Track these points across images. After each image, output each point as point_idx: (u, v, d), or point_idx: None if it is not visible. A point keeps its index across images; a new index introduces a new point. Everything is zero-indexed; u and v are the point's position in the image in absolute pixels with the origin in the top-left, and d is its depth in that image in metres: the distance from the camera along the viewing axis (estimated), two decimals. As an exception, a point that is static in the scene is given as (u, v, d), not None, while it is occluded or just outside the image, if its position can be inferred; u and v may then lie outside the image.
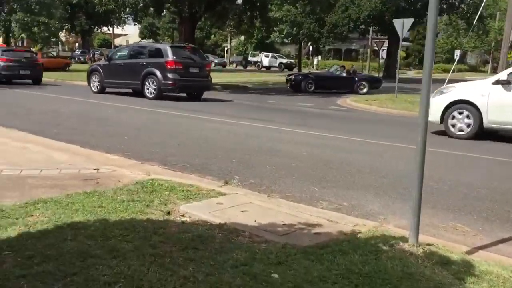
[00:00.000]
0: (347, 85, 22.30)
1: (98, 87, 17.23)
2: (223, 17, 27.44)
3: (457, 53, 46.50)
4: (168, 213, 4.02)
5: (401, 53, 43.81)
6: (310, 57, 58.71)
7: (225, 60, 64.75)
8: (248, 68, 57.19)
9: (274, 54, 59.23)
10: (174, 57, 15.27)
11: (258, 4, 25.24)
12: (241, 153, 6.99)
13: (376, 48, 42.50)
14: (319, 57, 57.81)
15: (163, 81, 15.13)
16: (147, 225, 3.63)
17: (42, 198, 4.25)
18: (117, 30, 61.84)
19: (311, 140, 8.55)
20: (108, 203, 4.17)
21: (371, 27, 40.12)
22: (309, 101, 17.60)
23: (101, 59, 29.91)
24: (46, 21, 39.60)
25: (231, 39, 66.50)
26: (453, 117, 9.56)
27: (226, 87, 23.77)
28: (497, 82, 9.17)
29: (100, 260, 2.92)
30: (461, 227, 4.12)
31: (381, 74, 36.55)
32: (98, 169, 5.69)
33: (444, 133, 9.81)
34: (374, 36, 44.65)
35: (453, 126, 9.58)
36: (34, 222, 3.60)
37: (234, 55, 67.05)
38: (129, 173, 5.51)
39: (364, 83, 22.51)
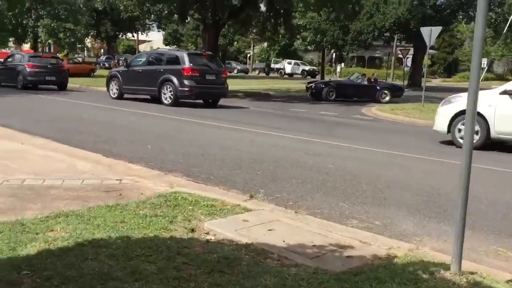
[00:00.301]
0: (369, 93, 21.93)
1: (117, 93, 17.45)
2: (246, 24, 27.41)
3: (485, 62, 45.61)
4: (192, 230, 3.86)
5: (426, 61, 43.20)
6: (333, 64, 58.31)
7: (247, 66, 64.82)
8: (271, 75, 57.08)
9: (297, 61, 59.02)
10: (191, 64, 15.40)
11: (282, 11, 25.09)
12: (265, 165, 6.81)
13: (400, 55, 41.94)
14: (342, 64, 57.37)
15: (179, 88, 15.26)
16: (170, 243, 3.47)
17: (64, 211, 4.14)
18: (142, 37, 62.51)
19: (337, 152, 8.32)
20: (130, 218, 4.03)
21: (396, 35, 39.61)
22: (332, 110, 17.34)
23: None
24: (72, 27, 40.19)
25: (254, 46, 66.58)
26: (460, 128, 9.34)
27: (248, 95, 23.67)
28: (505, 92, 9.04)
29: (122, 283, 2.77)
30: (504, 251, 3.85)
31: (405, 82, 36.02)
32: (120, 180, 5.58)
33: (452, 142, 9.60)
34: (398, 43, 44.12)
35: (460, 136, 9.30)
36: (54, 238, 3.48)
37: (256, 61, 67.07)
38: (151, 185, 5.38)
39: (386, 91, 22.11)
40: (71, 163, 6.34)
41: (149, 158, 6.94)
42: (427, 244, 3.96)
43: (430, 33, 17.43)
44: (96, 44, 72.98)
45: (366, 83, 22.44)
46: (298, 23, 37.98)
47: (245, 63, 69.48)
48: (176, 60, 15.82)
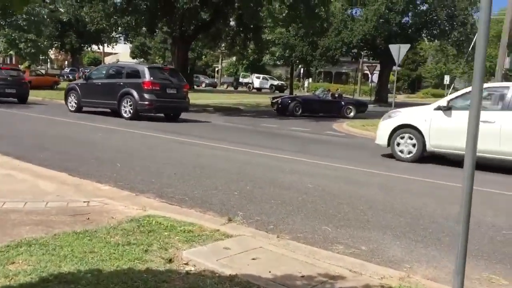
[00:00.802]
0: (334, 108, 22.19)
1: (75, 106, 17.24)
2: (216, 38, 27.25)
3: (447, 79, 46.93)
4: (170, 260, 3.55)
5: (391, 78, 44.07)
6: (301, 79, 58.80)
7: (215, 80, 64.60)
8: (239, 89, 57.01)
9: (266, 75, 59.22)
10: (151, 78, 15.36)
11: (252, 26, 25.05)
12: (242, 184, 6.54)
13: (366, 71, 42.65)
14: (310, 79, 57.92)
15: (139, 102, 15.20)
16: (147, 277, 3.15)
17: (26, 240, 3.76)
18: (108, 49, 61.49)
19: (314, 170, 8.14)
20: (101, 247, 3.69)
21: (363, 51, 40.26)
22: (304, 126, 17.27)
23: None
24: (34, 38, 39.02)
25: (222, 60, 66.50)
26: (399, 141, 9.96)
27: (218, 109, 23.41)
28: (439, 108, 9.57)
29: (94, 329, 2.44)
30: (497, 279, 3.70)
31: (372, 98, 36.56)
32: (88, 202, 5.21)
33: (392, 156, 10.07)
34: (365, 60, 44.89)
35: (399, 149, 9.95)
36: (16, 272, 3.11)
37: (225, 76, 66.97)
38: (122, 208, 5.03)
39: (350, 107, 22.47)
40: (35, 183, 5.91)
41: (119, 177, 6.57)
42: (418, 272, 3.77)
43: (398, 50, 17.67)
44: (60, 56, 71.28)
45: (330, 98, 22.62)
46: (267, 38, 38.13)
47: (213, 77, 69.27)
48: (136, 74, 15.79)
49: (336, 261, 3.79)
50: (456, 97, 9.72)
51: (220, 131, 14.24)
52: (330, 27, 29.23)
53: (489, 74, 55.70)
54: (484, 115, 8.56)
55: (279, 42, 42.06)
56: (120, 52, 71.27)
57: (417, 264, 3.95)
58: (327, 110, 22.28)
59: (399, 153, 9.94)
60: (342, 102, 22.48)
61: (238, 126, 16.18)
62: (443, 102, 9.67)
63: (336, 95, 23.16)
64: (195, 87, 47.41)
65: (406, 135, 9.86)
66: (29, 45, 38.72)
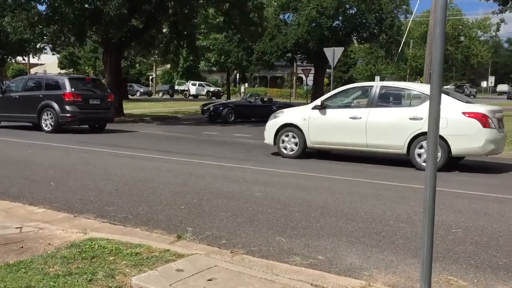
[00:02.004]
0: (266, 113, 22.13)
1: None
2: (149, 46, 26.58)
3: (377, 79, 48.67)
4: (118, 289, 3.25)
5: (325, 80, 45.10)
6: (237, 85, 58.86)
7: (150, 89, 63.29)
8: (175, 96, 56.14)
9: (202, 82, 58.72)
10: (72, 89, 15.02)
11: (185, 33, 24.65)
12: (189, 197, 6.27)
13: (301, 75, 43.39)
14: (246, 84, 58.10)
15: (61, 114, 14.81)
16: (94, 312, 2.84)
17: (-51, 278, 3.32)
18: (34, 60, 58.58)
19: (261, 178, 7.98)
20: (38, 280, 3.33)
21: (298, 55, 40.89)
22: (245, 132, 17.16)
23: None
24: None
25: (156, 68, 65.28)
26: (283, 139, 10.58)
27: (155, 118, 22.86)
28: (315, 107, 10.28)
29: None
30: (455, 280, 3.69)
31: (308, 101, 37.10)
32: (21, 227, 4.76)
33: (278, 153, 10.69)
34: (299, 63, 45.63)
35: (284, 146, 10.57)
36: None
37: (160, 84, 65.76)
38: (60, 232, 4.63)
39: (282, 110, 22.50)
40: (-43, 211, 5.34)
41: (54, 198, 6.10)
42: (378, 279, 3.69)
43: (333, 54, 18.00)
44: (-19, 69, 67.06)
45: (260, 103, 22.63)
46: (202, 44, 37.82)
47: (148, 85, 67.83)
48: (56, 85, 15.36)
49: (295, 274, 3.63)
50: (330, 97, 10.48)
51: (160, 141, 13.81)
52: (264, 32, 29.39)
53: (415, 73, 58.60)
54: (352, 112, 10.00)
55: (214, 48, 41.86)
56: (47, 63, 68.19)
57: (376, 270, 3.88)
58: (259, 115, 22.15)
59: (284, 150, 10.58)
60: (274, 107, 22.54)
61: (178, 135, 15.79)
62: (318, 102, 10.38)
63: (265, 100, 23.19)
64: (129, 96, 46.15)
65: (290, 134, 10.49)
66: None
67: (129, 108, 26.51)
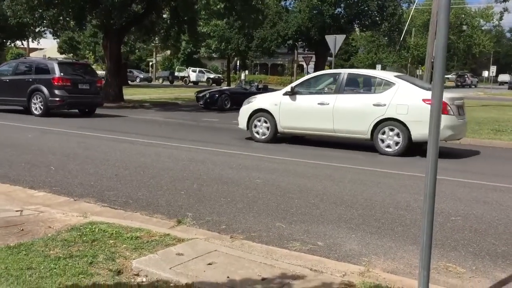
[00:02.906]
0: None
1: None
2: (149, 32, 26.37)
3: (378, 68, 48.50)
4: (119, 272, 3.27)
5: (326, 68, 44.91)
6: (237, 72, 58.63)
7: (150, 75, 63.04)
8: (175, 83, 55.95)
9: (202, 69, 58.47)
10: (61, 74, 15.21)
11: (186, 19, 24.44)
12: (188, 183, 6.28)
13: (302, 62, 43.18)
14: (246, 71, 57.86)
15: (50, 98, 15.01)
16: (94, 294, 2.86)
17: (-49, 259, 3.34)
18: (33, 45, 58.24)
19: (261, 164, 7.99)
20: (39, 262, 3.34)
21: (299, 43, 40.70)
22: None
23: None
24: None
25: (156, 54, 64.95)
26: (256, 124, 10.84)
27: (155, 104, 22.80)
28: (286, 93, 10.52)
29: None
30: (454, 267, 3.71)
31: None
32: (21, 211, 4.77)
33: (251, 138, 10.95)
34: (300, 51, 45.42)
35: (256, 131, 10.85)
36: None
37: (160, 70, 65.47)
38: (60, 215, 4.64)
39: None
40: (-43, 193, 5.35)
41: (54, 182, 6.11)
42: (376, 265, 3.71)
43: (335, 41, 17.91)
44: (-20, 53, 66.75)
45: (255, 89, 22.45)
46: (202, 30, 37.59)
47: (148, 71, 67.54)
48: (45, 70, 15.49)
49: (294, 259, 3.65)
50: (300, 83, 10.77)
51: (160, 127, 13.80)
52: (265, 19, 29.20)
53: (417, 62, 58.33)
54: (321, 98, 10.24)
55: (214, 34, 41.63)
56: (46, 48, 67.79)
57: (375, 257, 3.90)
58: None
59: (256, 135, 10.85)
60: None
61: (178, 121, 15.77)
62: (288, 88, 10.66)
63: (261, 87, 23.02)
64: (129, 82, 46.00)
65: (262, 119, 10.74)
66: None
67: (129, 94, 26.43)
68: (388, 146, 9.35)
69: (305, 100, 10.34)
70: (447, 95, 9.60)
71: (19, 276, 3.08)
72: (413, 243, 4.19)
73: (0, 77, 16.46)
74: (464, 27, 62.94)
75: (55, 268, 3.23)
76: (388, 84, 9.67)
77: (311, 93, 10.55)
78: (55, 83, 15.00)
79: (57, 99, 15.03)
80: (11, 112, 16.03)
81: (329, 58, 37.85)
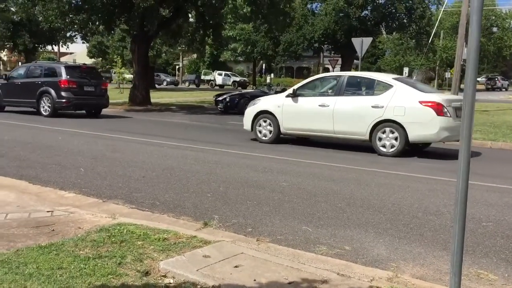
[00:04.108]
0: None
1: None
2: (176, 35, 26.66)
3: (406, 71, 47.85)
4: (147, 273, 3.30)
5: (353, 71, 44.56)
6: (263, 75, 58.69)
7: (177, 78, 63.71)
8: (201, 86, 56.40)
9: (227, 72, 58.77)
10: (68, 77, 16.07)
11: (211, 22, 24.62)
12: (214, 186, 6.31)
13: (328, 65, 42.95)
14: (272, 75, 57.90)
15: (57, 100, 15.90)
16: (123, 294, 2.90)
17: (-15, 257, 3.43)
18: (63, 49, 59.56)
19: (287, 168, 7.97)
20: (69, 262, 3.40)
21: (325, 46, 40.50)
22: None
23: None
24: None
25: (182, 58, 65.60)
26: (260, 125, 11.12)
27: (182, 107, 23.01)
28: (288, 95, 10.80)
29: None
30: (485, 274, 3.62)
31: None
32: (52, 211, 4.87)
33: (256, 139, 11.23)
34: (326, 54, 45.19)
35: (260, 132, 11.12)
36: (-26, 297, 2.80)
37: (186, 73, 66.10)
38: (90, 216, 4.72)
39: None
40: (-9, 194, 5.50)
41: (84, 183, 6.22)
42: (405, 271, 3.65)
43: (361, 44, 17.75)
44: (13, 58, 68.66)
45: (273, 93, 22.27)
46: (228, 34, 37.80)
47: (174, 75, 68.26)
48: (53, 73, 16.44)
49: (321, 263, 3.63)
50: (302, 86, 11.01)
51: (186, 130, 13.91)
52: (292, 22, 29.17)
53: (446, 65, 57.30)
54: (321, 100, 10.43)
55: (240, 38, 41.81)
56: (76, 52, 69.28)
57: (404, 262, 3.84)
58: None
59: (260, 136, 11.11)
60: None
61: (204, 124, 15.88)
62: (290, 90, 10.92)
63: (279, 90, 22.93)
64: (156, 85, 46.55)
65: (267, 120, 11.00)
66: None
67: (155, 97, 26.76)
68: (387, 147, 9.49)
69: (307, 102, 10.57)
70: (443, 97, 9.78)
71: (50, 276, 3.14)
72: (443, 249, 4.11)
73: (13, 80, 17.49)
74: (495, 29, 61.54)
75: (84, 268, 3.29)
76: (386, 86, 9.86)
77: (312, 95, 10.79)
78: (62, 86, 15.89)
79: (64, 100, 15.88)
80: (21, 113, 16.86)
81: (355, 61, 37.60)
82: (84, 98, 16.46)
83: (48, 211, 4.87)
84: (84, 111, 17.28)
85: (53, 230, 4.28)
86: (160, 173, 7.06)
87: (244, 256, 3.67)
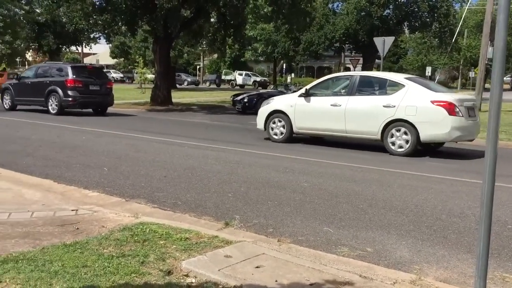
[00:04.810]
0: None
1: (10, 104, 18.49)
2: (197, 36, 26.83)
3: (429, 70, 47.22)
4: (169, 272, 3.33)
5: (374, 71, 44.15)
6: (284, 75, 58.60)
7: (197, 78, 64.09)
8: (222, 86, 56.63)
9: (248, 72, 58.86)
10: (74, 76, 16.75)
11: (232, 22, 24.69)
12: (236, 186, 6.33)
13: (348, 65, 42.67)
14: (292, 74, 57.78)
15: (64, 98, 16.59)
16: (146, 293, 2.93)
17: (13, 255, 3.52)
18: (86, 50, 60.50)
19: (307, 168, 7.94)
20: (93, 260, 3.45)
21: (346, 45, 40.25)
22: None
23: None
24: (8, 39, 38.12)
25: (203, 58, 65.94)
26: (273, 124, 11.21)
27: (203, 107, 23.15)
28: (301, 95, 10.88)
29: None
30: (511, 278, 3.55)
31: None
32: (76, 210, 4.95)
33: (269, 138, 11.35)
34: (347, 53, 44.91)
35: (273, 131, 11.22)
36: (2, 294, 2.87)
37: (207, 73, 66.44)
38: (113, 215, 4.79)
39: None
40: (18, 192, 5.63)
41: (107, 183, 6.30)
42: (428, 273, 3.61)
43: (383, 43, 17.58)
44: (38, 58, 70.02)
45: (290, 93, 22.12)
46: (249, 34, 37.84)
47: (195, 75, 68.67)
48: (60, 72, 17.16)
49: (343, 265, 3.61)
50: (314, 85, 11.06)
51: (207, 130, 13.99)
52: (313, 22, 29.07)
53: (470, 64, 56.32)
54: (333, 99, 10.51)
55: (261, 38, 41.82)
56: (99, 53, 70.30)
57: (427, 265, 3.79)
58: None
59: (273, 135, 11.23)
60: None
61: (225, 124, 15.94)
62: (303, 90, 11.02)
63: (296, 90, 22.78)
64: (177, 85, 46.91)
65: (279, 120, 11.12)
66: (4, 47, 37.86)
67: (177, 97, 26.97)
68: (398, 146, 9.48)
69: (319, 102, 10.65)
70: (456, 97, 9.69)
71: (75, 274, 3.19)
72: (467, 252, 4.05)
73: (24, 80, 18.25)
74: (521, 27, 60.20)
75: (108, 267, 3.33)
76: (398, 86, 9.88)
77: (324, 95, 10.84)
78: (68, 85, 16.56)
79: (70, 99, 16.56)
80: (32, 111, 17.56)
81: (377, 61, 37.25)
82: (90, 97, 17.11)
83: (72, 210, 4.95)
84: (91, 110, 17.99)
85: (77, 228, 4.35)
86: (182, 172, 7.12)
87: (265, 256, 3.68)
